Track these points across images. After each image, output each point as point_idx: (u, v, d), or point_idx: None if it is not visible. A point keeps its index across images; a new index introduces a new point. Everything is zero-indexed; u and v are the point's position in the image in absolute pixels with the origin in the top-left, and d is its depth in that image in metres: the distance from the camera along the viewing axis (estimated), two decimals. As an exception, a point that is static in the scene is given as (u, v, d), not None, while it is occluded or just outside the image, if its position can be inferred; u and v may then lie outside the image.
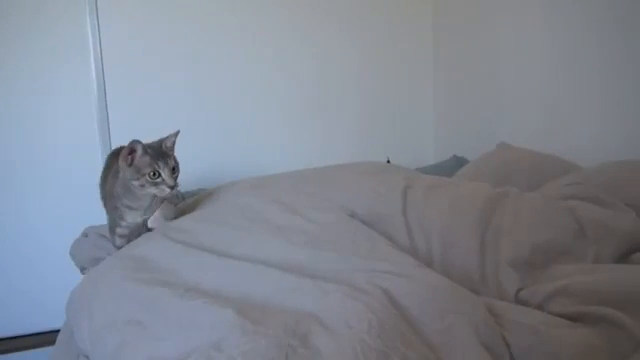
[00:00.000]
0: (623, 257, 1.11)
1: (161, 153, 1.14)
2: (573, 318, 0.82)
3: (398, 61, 2.45)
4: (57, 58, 1.94)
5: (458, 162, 2.07)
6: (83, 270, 1.38)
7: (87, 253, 1.37)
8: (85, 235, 1.42)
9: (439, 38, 2.46)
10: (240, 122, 2.21)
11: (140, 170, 1.12)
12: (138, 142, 1.12)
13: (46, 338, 1.59)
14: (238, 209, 1.24)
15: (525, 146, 1.82)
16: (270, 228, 1.13)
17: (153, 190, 1.14)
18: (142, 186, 1.13)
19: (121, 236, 1.26)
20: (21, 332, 1.92)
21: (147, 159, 1.12)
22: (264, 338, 0.71)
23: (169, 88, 2.08)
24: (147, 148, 1.13)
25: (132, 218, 1.21)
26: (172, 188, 1.14)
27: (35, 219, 1.96)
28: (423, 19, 2.46)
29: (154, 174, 1.12)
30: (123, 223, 1.22)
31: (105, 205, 1.31)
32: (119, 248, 1.26)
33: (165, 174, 1.13)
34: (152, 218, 1.24)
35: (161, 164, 1.13)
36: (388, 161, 2.12)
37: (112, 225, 1.26)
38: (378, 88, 2.42)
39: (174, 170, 1.15)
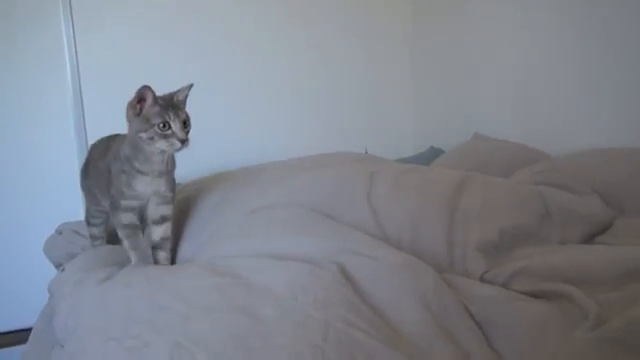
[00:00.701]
0: (588, 240, 1.14)
1: (172, 105, 1.05)
2: (533, 295, 0.86)
3: (377, 55, 2.47)
4: (31, 59, 1.93)
5: (435, 153, 2.10)
6: (59, 267, 1.38)
7: (62, 249, 1.37)
8: (59, 232, 1.42)
9: (418, 32, 2.49)
10: (219, 115, 2.20)
11: (149, 120, 1.03)
12: (149, 88, 1.03)
13: (23, 336, 1.58)
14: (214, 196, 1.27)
15: (500, 137, 1.85)
16: (245, 220, 1.15)
17: (163, 145, 1.03)
18: (151, 139, 1.03)
19: (127, 209, 1.12)
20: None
21: (157, 109, 1.03)
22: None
23: (145, 81, 2.06)
24: (158, 98, 1.05)
25: (141, 186, 1.10)
26: (183, 142, 1.03)
27: (10, 216, 1.94)
28: (402, 13, 2.48)
29: (164, 125, 1.02)
30: (131, 193, 1.11)
31: (84, 188, 1.28)
32: (125, 226, 1.12)
33: (176, 126, 1.03)
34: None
35: (172, 115, 1.03)
36: (366, 152, 2.13)
37: (116, 199, 1.12)
38: (358, 81, 2.44)
39: (185, 124, 1.05)
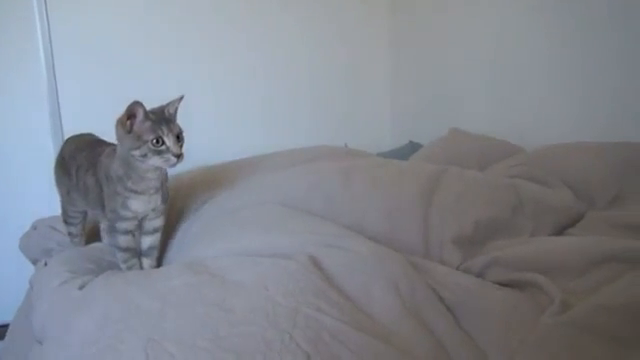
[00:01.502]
0: (559, 232, 1.18)
1: (164, 119, 1.01)
2: (505, 284, 0.89)
3: (356, 49, 2.48)
4: (2, 49, 1.88)
5: (414, 148, 2.12)
6: (35, 263, 1.36)
7: (38, 245, 1.36)
8: (34, 228, 1.40)
9: (395, 27, 2.51)
10: (197, 106, 2.17)
11: (141, 137, 0.98)
12: (139, 104, 0.99)
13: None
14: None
15: (477, 131, 1.88)
16: (223, 221, 1.16)
17: (157, 161, 1.00)
18: (144, 156, 0.99)
19: (126, 232, 1.10)
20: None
21: (149, 124, 0.99)
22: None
23: (121, 73, 2.03)
24: (149, 113, 1.00)
25: (138, 206, 1.07)
26: (178, 157, 1.00)
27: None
28: (381, 8, 2.50)
29: (157, 141, 0.98)
30: (128, 214, 1.07)
31: (60, 186, 1.25)
32: (125, 250, 1.10)
33: (170, 141, 0.99)
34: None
35: (165, 129, 0.99)
36: (346, 146, 2.15)
37: (112, 221, 1.09)
38: (336, 75, 2.45)
39: (179, 138, 1.01)
